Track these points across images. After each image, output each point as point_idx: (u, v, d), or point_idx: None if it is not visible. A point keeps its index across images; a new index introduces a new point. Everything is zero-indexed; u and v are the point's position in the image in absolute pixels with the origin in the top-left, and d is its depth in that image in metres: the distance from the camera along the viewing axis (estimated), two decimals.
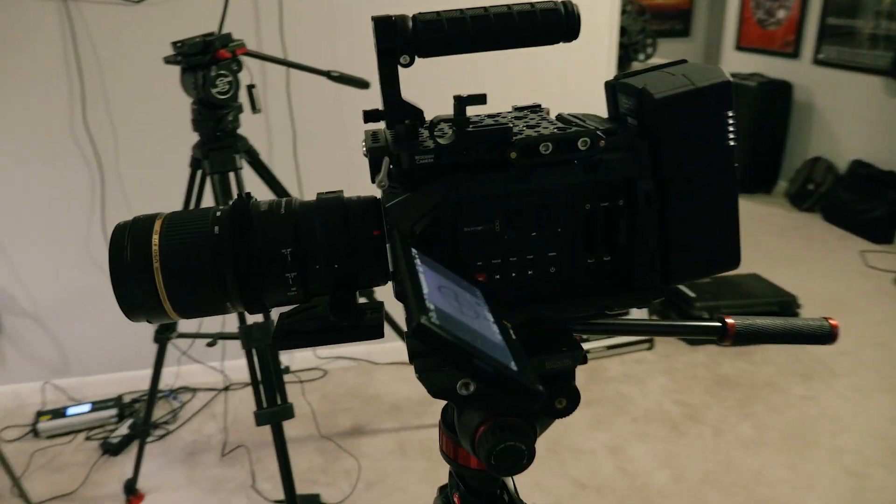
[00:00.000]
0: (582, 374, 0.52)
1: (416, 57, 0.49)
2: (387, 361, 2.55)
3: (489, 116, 0.56)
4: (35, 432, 2.20)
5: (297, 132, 2.21)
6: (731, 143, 0.50)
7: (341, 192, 0.55)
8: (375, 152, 0.49)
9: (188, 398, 2.39)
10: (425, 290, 0.40)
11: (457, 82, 1.36)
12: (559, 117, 0.55)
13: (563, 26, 0.49)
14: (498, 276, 0.51)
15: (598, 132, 0.48)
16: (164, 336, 1.69)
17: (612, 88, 0.55)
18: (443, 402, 0.59)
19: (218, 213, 0.52)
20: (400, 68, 0.49)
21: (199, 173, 1.49)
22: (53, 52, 2.04)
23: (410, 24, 0.48)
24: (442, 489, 0.67)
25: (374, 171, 0.49)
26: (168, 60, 1.41)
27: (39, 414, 2.24)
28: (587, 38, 1.60)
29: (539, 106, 0.58)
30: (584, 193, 0.50)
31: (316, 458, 2.06)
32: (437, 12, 0.49)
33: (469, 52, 0.50)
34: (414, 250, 0.46)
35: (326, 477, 1.98)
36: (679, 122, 0.49)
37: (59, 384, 2.41)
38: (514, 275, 0.52)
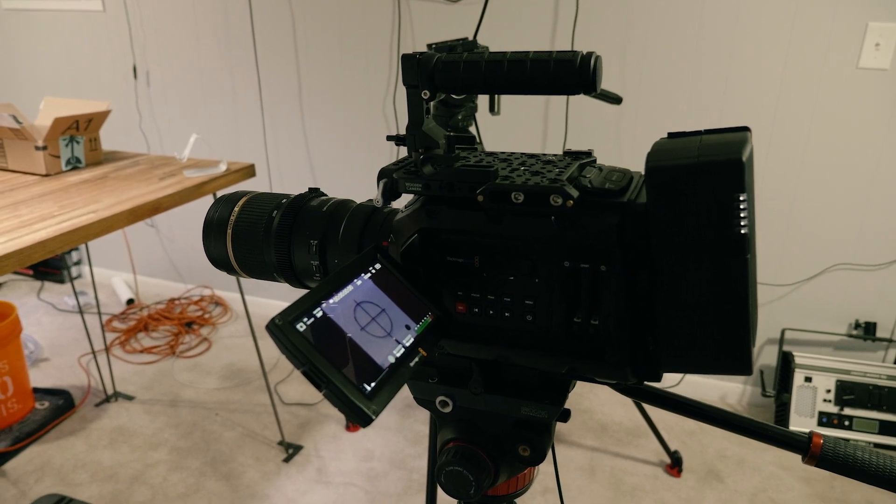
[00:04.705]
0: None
1: (436, 92, 0.53)
2: None
3: (521, 158, 0.57)
4: None
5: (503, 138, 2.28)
6: (741, 230, 0.44)
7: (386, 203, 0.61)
8: (381, 174, 0.54)
9: None
10: (333, 299, 0.45)
11: None
12: (590, 170, 0.53)
13: (576, 79, 0.48)
14: (476, 310, 0.53)
15: (567, 191, 0.47)
16: None
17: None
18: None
19: (283, 201, 0.63)
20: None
21: None
22: (383, 42, 2.42)
23: (433, 62, 0.52)
24: None
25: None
26: None
27: None
28: None
29: (589, 153, 0.57)
30: (563, 251, 0.49)
31: None
32: (462, 53, 0.52)
33: (484, 93, 0.52)
34: (377, 265, 0.51)
35: None
36: (669, 197, 0.45)
37: None
38: (491, 312, 0.53)
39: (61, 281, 3.37)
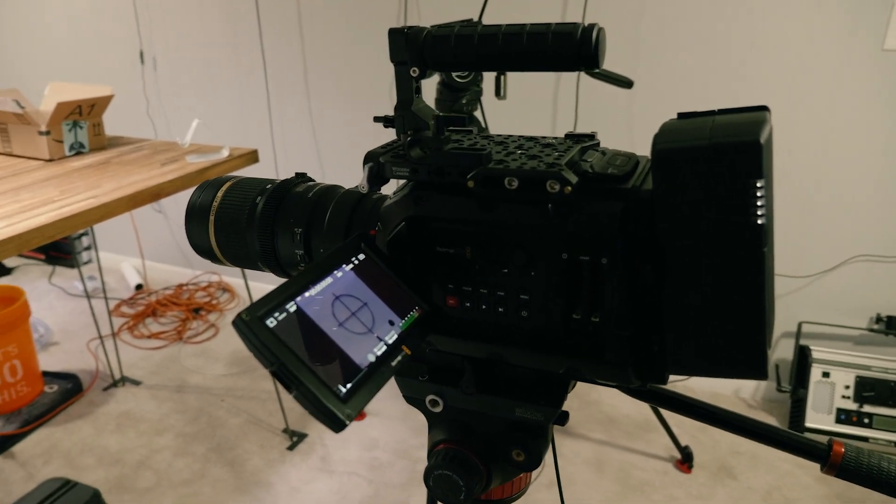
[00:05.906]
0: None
1: (426, 69, 0.49)
2: None
3: (518, 141, 0.53)
4: None
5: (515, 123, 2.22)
6: (758, 220, 0.40)
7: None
8: (367, 157, 0.50)
9: None
10: (309, 293, 0.41)
11: None
12: (591, 154, 0.49)
13: (576, 52, 0.44)
14: (468, 304, 0.49)
15: (565, 177, 0.43)
16: None
17: None
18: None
19: (268, 187, 0.59)
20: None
21: None
22: (389, 23, 2.37)
23: (422, 37, 0.48)
24: None
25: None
26: None
27: None
28: None
29: (592, 136, 0.52)
30: (561, 241, 0.45)
31: None
32: (454, 26, 0.48)
33: (478, 69, 0.48)
34: (361, 256, 0.47)
35: None
36: (678, 183, 0.40)
37: None
38: (483, 307, 0.49)
39: (72, 266, 3.37)
